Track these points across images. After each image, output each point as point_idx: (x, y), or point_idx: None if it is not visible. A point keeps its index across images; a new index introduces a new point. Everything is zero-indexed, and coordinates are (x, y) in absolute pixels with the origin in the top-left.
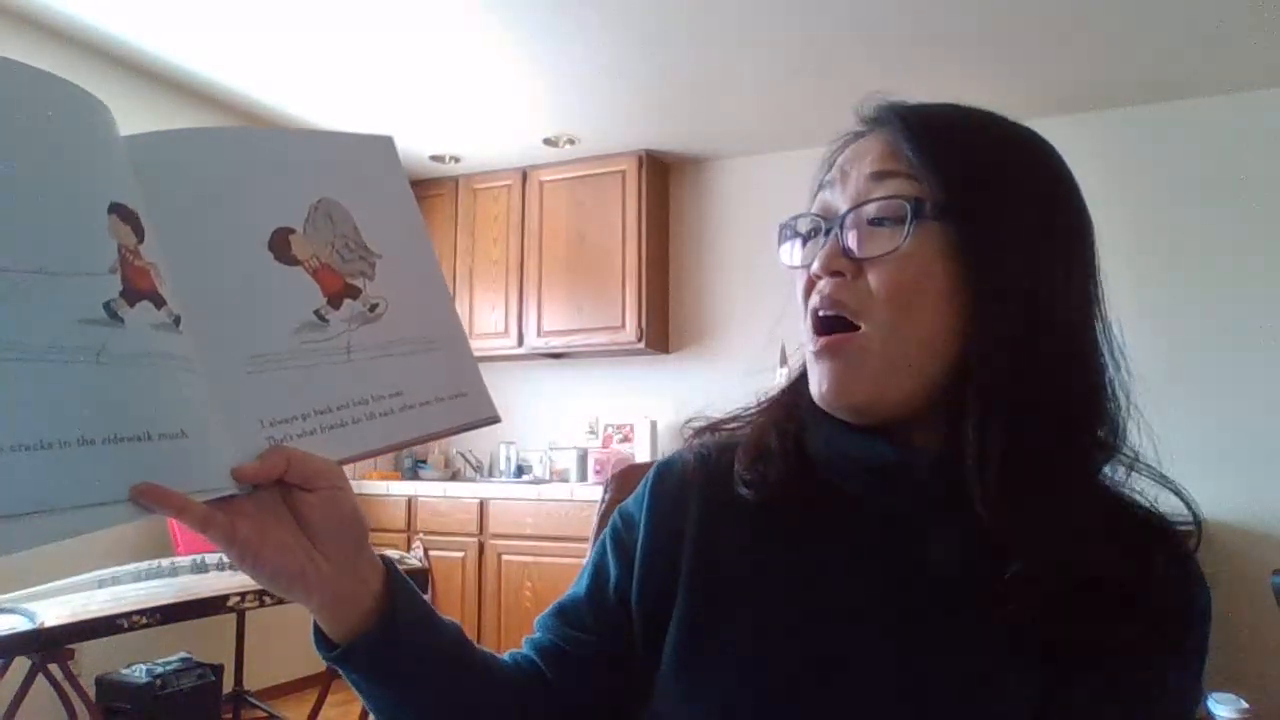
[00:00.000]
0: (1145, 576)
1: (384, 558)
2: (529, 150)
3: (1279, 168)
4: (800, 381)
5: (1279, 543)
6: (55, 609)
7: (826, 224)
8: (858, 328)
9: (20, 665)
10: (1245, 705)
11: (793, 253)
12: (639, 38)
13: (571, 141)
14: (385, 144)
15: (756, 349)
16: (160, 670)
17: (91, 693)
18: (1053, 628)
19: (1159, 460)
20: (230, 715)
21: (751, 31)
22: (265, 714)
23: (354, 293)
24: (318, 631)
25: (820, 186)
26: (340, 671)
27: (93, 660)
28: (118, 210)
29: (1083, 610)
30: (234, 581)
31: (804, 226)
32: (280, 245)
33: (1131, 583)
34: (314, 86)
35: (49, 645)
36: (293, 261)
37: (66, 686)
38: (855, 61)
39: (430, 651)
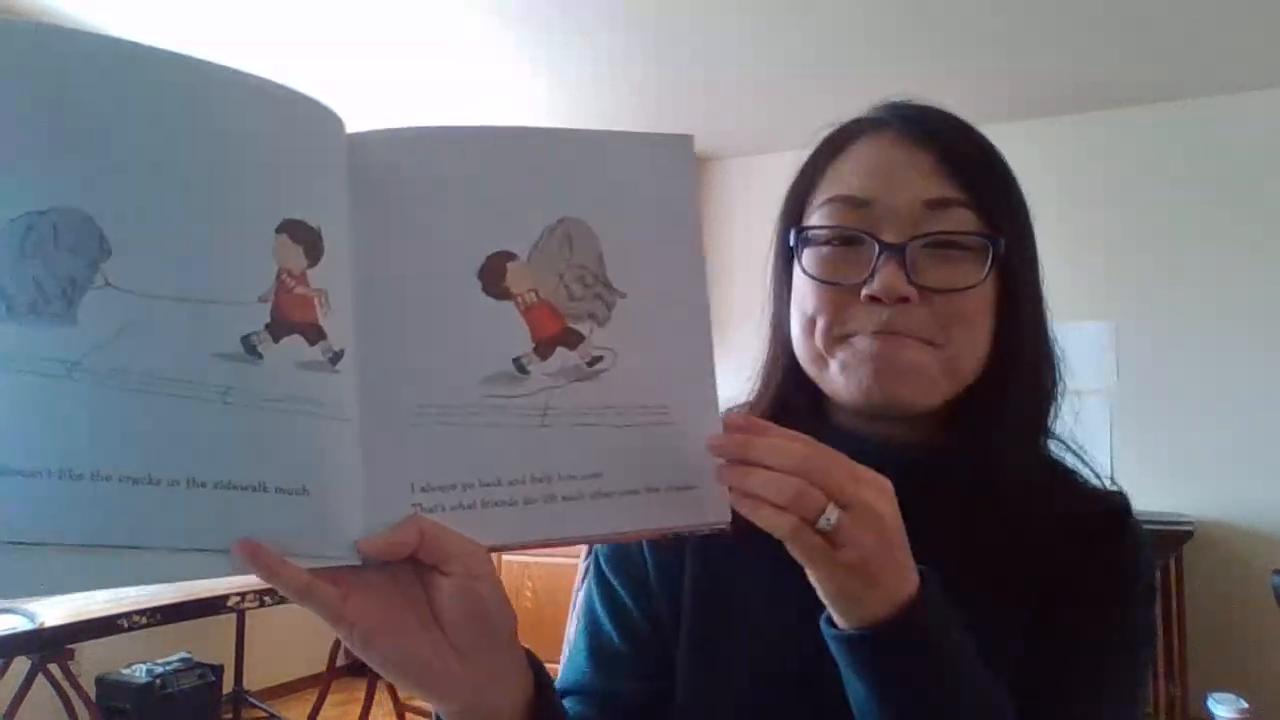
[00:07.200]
0: (1094, 530)
1: (534, 662)
2: None
3: (1278, 168)
4: (784, 389)
5: (1279, 543)
6: (55, 609)
7: (881, 245)
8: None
9: (20, 665)
10: (1245, 705)
11: (820, 263)
12: (639, 38)
13: None
14: (678, 147)
15: (756, 349)
16: (160, 670)
17: (91, 693)
18: (1033, 577)
19: (1156, 460)
20: (230, 715)
21: (752, 31)
22: (265, 714)
23: (572, 340)
24: None
25: (846, 192)
26: None
27: (93, 660)
28: (290, 229)
29: (1054, 563)
30: (234, 581)
31: (837, 235)
32: (493, 273)
33: (1084, 537)
34: (313, 86)
35: (49, 645)
36: (503, 295)
37: (66, 686)
38: (855, 61)
39: None
